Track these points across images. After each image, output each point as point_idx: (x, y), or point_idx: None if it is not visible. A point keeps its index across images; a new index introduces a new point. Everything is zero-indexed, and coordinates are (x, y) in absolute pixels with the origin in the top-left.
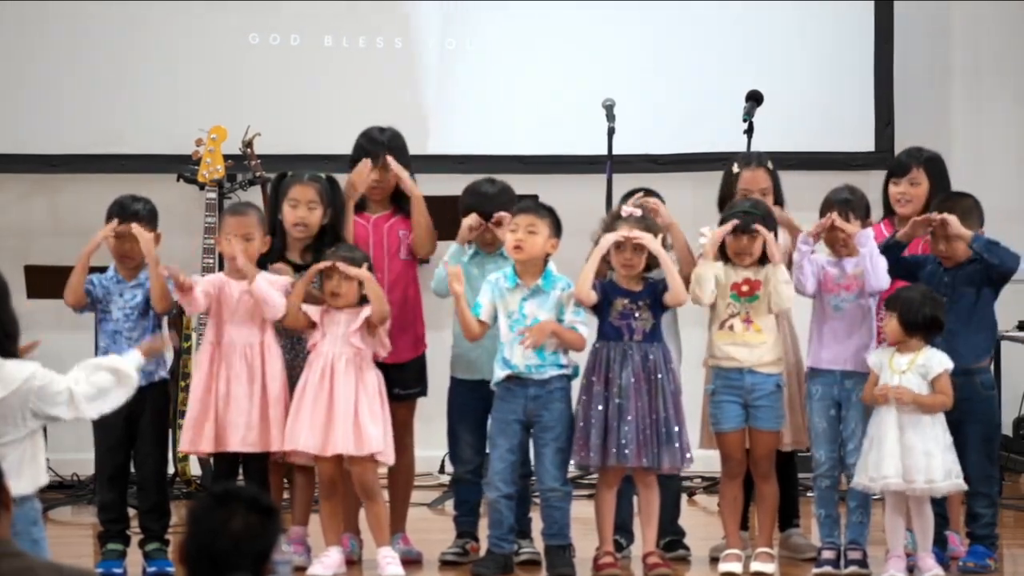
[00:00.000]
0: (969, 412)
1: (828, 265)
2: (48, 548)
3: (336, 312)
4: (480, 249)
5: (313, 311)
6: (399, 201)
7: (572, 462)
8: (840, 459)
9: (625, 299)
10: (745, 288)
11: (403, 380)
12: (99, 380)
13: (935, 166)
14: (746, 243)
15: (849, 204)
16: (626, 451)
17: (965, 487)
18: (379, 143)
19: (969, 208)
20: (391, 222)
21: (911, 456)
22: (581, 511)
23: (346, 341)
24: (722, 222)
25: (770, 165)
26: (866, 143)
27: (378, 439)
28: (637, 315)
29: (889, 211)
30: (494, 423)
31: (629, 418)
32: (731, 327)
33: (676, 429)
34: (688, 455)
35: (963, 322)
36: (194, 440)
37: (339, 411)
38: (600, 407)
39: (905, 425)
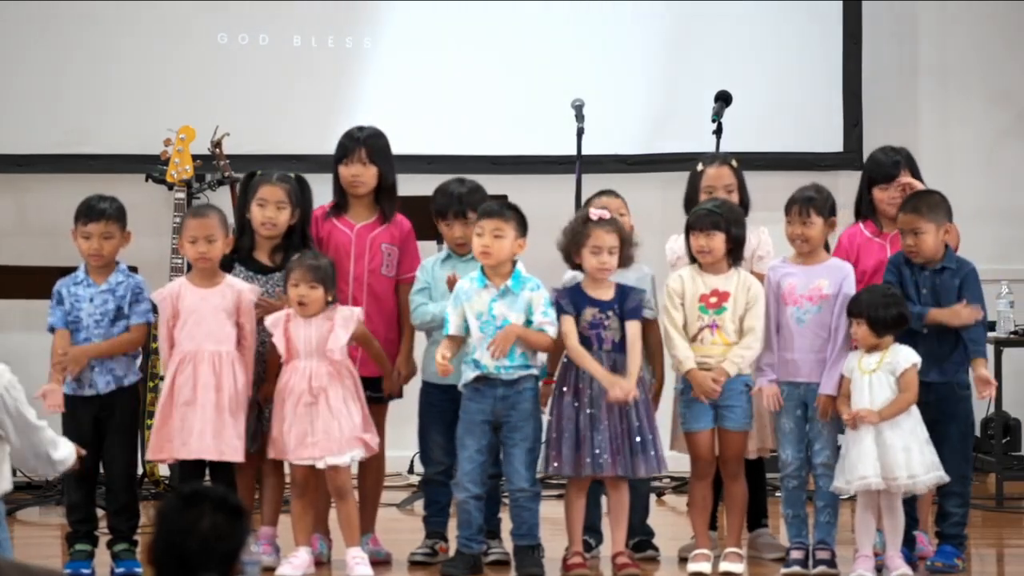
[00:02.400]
0: (945, 412)
1: (790, 274)
2: (11, 548)
3: (303, 321)
4: (452, 252)
5: (278, 329)
6: (383, 201)
7: (546, 470)
8: (807, 459)
9: (594, 308)
10: (713, 300)
11: (378, 383)
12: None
13: (913, 162)
14: (704, 241)
15: (813, 202)
16: (600, 461)
17: (947, 479)
18: (356, 140)
19: (936, 203)
20: (375, 233)
21: (890, 454)
22: (550, 511)
23: (322, 355)
24: (687, 222)
25: (734, 163)
26: (834, 143)
27: (370, 444)
28: (606, 324)
29: (865, 214)
30: (462, 424)
31: (602, 427)
32: (700, 340)
33: (650, 437)
34: (663, 461)
35: (942, 342)
36: (162, 447)
37: (324, 422)
38: (571, 417)
39: (882, 423)
